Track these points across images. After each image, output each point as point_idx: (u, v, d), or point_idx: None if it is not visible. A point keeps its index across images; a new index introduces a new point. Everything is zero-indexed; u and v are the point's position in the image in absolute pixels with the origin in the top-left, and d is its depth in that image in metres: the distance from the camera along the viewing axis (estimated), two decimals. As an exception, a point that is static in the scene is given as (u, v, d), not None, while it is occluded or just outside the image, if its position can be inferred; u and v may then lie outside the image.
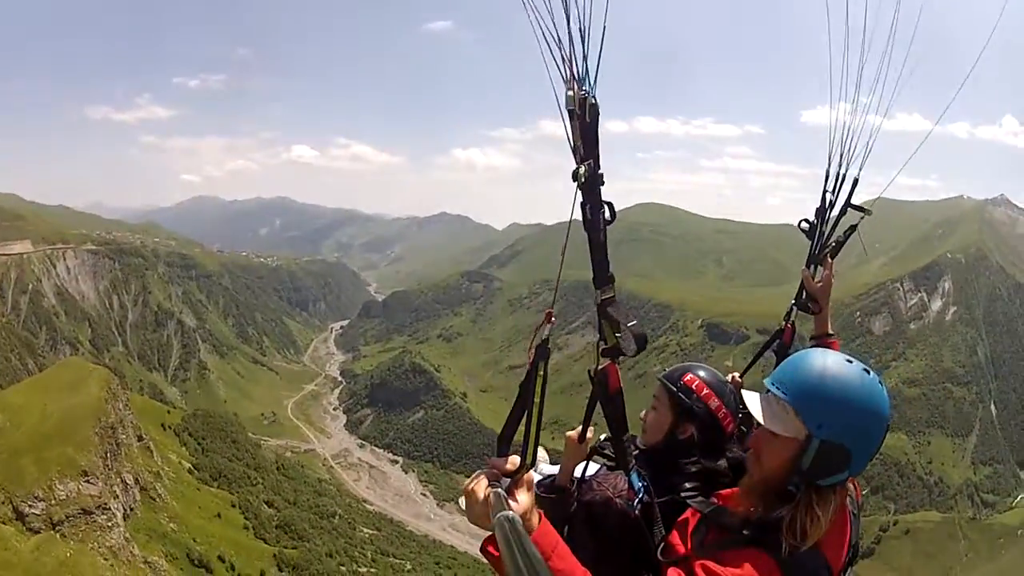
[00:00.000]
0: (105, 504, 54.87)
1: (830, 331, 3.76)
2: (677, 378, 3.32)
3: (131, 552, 54.88)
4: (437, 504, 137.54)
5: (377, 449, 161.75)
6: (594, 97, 2.31)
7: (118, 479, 61.43)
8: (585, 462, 3.22)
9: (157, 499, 70.15)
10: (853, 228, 3.81)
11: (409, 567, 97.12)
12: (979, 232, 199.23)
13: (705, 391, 3.25)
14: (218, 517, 78.49)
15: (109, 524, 54.43)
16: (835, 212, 3.91)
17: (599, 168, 2.37)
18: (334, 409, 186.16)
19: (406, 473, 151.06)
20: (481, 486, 2.06)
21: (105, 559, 49.11)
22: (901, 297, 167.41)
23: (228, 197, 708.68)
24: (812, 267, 3.83)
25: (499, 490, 2.01)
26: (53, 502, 50.89)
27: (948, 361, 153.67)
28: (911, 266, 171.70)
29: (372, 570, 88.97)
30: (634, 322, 2.56)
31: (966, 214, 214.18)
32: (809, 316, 3.87)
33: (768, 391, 2.44)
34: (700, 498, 2.83)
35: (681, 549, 2.66)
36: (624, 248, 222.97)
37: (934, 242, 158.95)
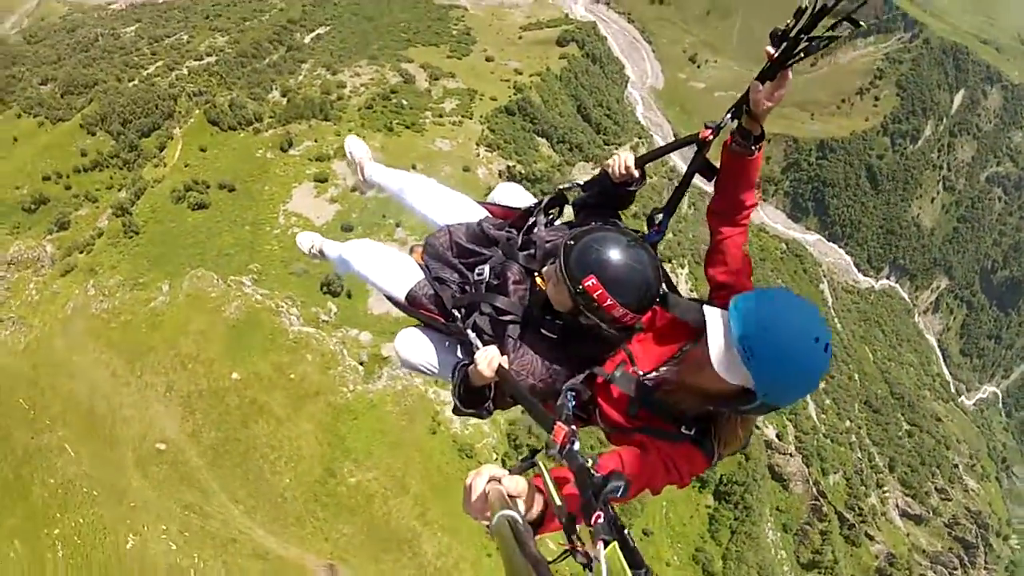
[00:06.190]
0: None
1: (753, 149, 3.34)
2: (578, 279, 3.11)
3: None
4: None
5: None
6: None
7: None
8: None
9: None
10: (831, 39, 2.93)
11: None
12: None
13: (608, 301, 3.10)
14: None
15: None
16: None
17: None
18: None
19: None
20: (481, 481, 2.23)
21: None
22: None
23: None
24: (767, 81, 3.15)
25: (500, 487, 2.21)
26: None
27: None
28: None
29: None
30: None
31: None
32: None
33: (734, 344, 2.64)
34: (624, 377, 3.24)
35: (620, 418, 3.21)
36: None
37: None
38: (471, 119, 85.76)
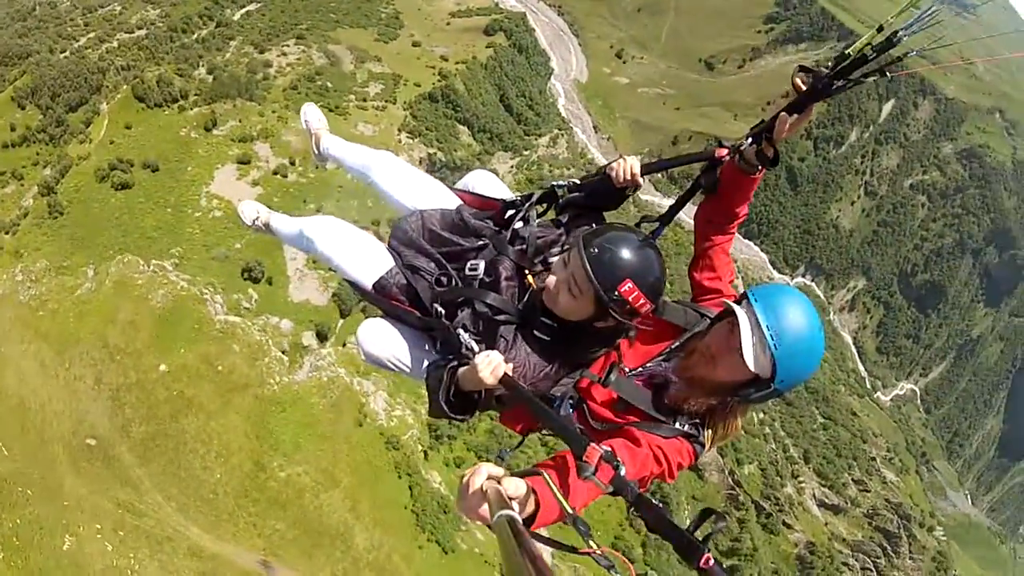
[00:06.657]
0: None
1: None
2: (613, 286, 3.08)
3: None
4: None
5: None
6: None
7: None
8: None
9: None
10: (858, 82, 3.32)
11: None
12: None
13: (641, 301, 3.12)
14: None
15: None
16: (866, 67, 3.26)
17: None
18: None
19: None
20: (479, 479, 2.25)
21: None
22: None
23: None
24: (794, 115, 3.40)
25: (499, 487, 2.22)
26: None
27: None
28: None
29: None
30: None
31: None
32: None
33: (761, 331, 2.89)
34: (620, 380, 3.31)
35: (611, 416, 3.29)
36: None
37: None
38: (394, 104, 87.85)
